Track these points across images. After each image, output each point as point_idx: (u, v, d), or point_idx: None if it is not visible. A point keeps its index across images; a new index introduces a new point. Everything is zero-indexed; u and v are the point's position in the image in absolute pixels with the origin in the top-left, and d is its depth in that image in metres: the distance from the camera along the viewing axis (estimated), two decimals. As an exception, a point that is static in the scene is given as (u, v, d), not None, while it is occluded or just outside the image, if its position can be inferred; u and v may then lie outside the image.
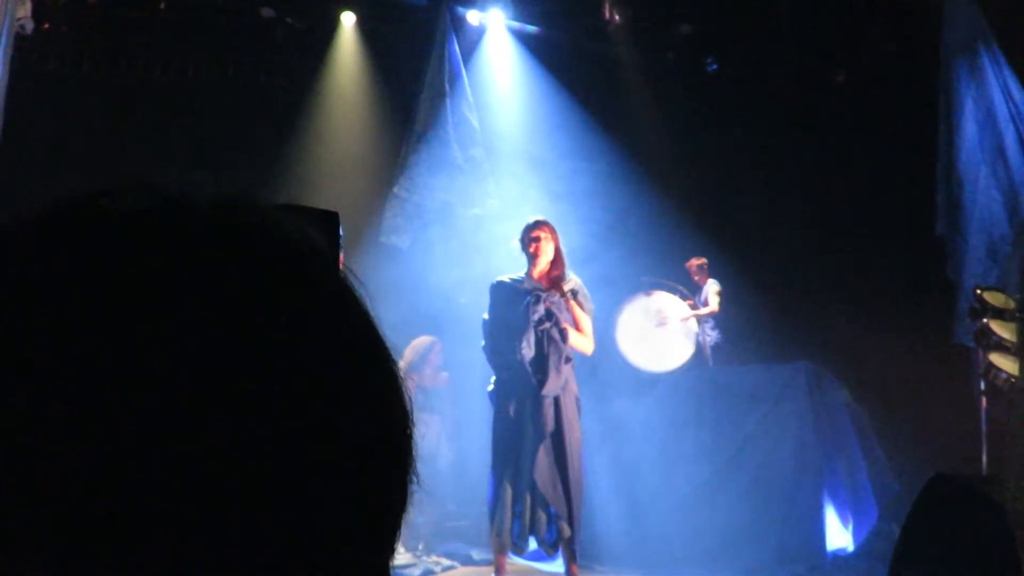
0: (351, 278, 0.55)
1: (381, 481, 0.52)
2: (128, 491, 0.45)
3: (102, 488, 0.44)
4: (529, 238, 5.71)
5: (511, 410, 5.63)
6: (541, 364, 5.59)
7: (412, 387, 0.56)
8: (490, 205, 8.13)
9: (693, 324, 8.72)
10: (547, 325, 5.58)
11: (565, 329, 5.63)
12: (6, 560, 0.44)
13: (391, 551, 0.54)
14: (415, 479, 0.54)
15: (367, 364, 0.53)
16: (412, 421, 0.55)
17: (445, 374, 7.56)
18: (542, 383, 5.57)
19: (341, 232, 0.90)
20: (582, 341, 5.75)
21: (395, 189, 8.20)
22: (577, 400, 5.77)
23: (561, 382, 5.61)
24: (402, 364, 6.20)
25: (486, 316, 5.75)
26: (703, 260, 8.93)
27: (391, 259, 7.88)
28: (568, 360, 5.67)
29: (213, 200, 0.52)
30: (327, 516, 0.49)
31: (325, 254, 0.54)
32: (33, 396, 0.45)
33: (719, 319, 8.75)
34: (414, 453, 0.54)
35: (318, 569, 0.48)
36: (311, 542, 0.48)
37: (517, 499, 5.62)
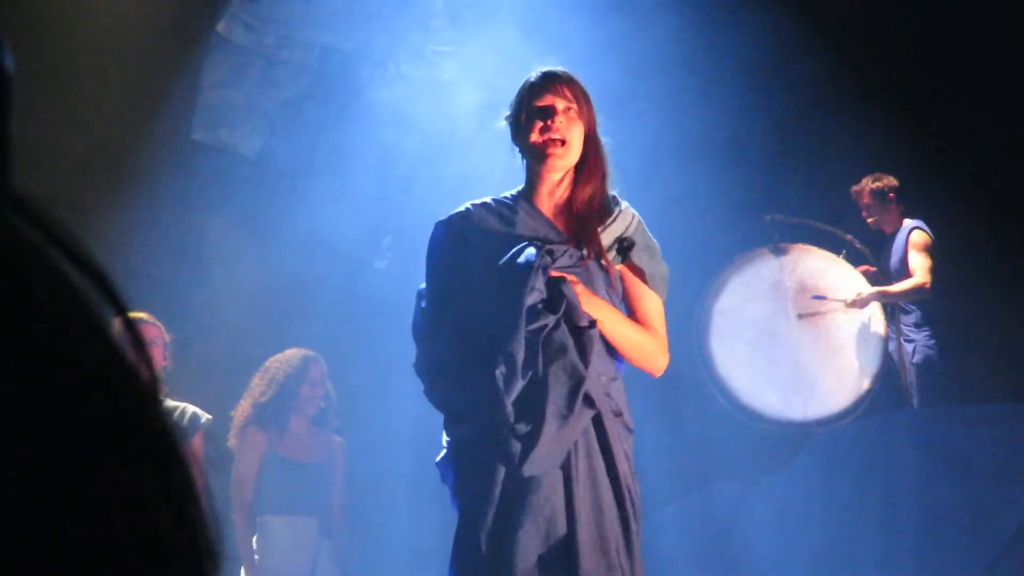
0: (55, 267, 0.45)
1: None
2: None
3: None
4: (533, 108, 3.00)
5: (487, 507, 2.77)
6: (533, 402, 2.73)
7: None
8: (438, 63, 4.65)
9: (878, 316, 5.14)
10: (547, 321, 2.76)
11: (592, 325, 2.80)
12: None
13: None
14: None
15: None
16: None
17: (339, 439, 4.95)
18: (526, 450, 2.71)
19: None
20: (638, 344, 2.98)
21: (219, 27, 4.77)
22: (624, 478, 2.82)
23: (567, 445, 2.76)
24: (246, 406, 4.70)
25: (423, 293, 2.94)
26: (886, 179, 5.55)
27: (222, 178, 4.56)
28: (589, 399, 2.75)
29: None
30: None
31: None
32: None
33: (931, 309, 5.15)
34: None
35: None
36: None
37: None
